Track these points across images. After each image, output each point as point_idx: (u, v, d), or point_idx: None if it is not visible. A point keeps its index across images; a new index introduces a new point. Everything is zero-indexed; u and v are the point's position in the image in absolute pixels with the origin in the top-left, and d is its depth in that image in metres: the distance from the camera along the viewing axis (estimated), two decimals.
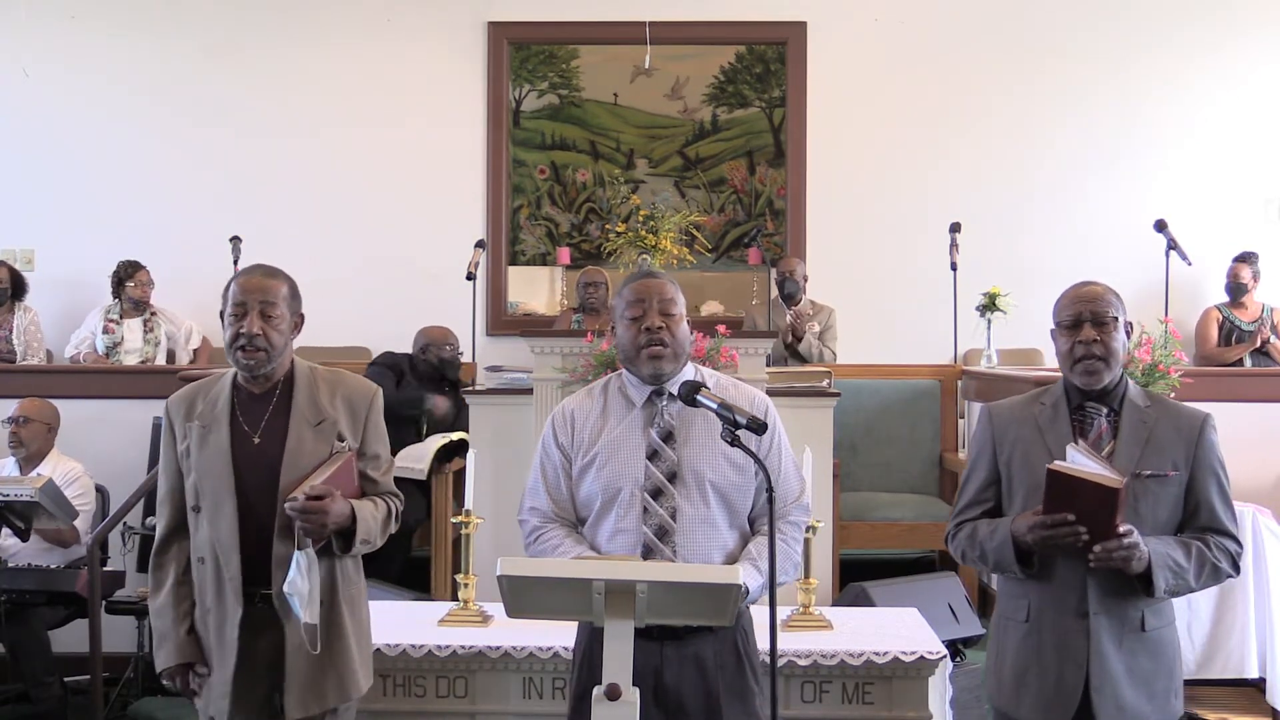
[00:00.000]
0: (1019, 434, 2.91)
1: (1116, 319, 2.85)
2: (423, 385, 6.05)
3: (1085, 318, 2.84)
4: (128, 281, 6.98)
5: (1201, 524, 2.85)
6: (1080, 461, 2.69)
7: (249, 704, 2.94)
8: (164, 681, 3.02)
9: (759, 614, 2.86)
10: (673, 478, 2.85)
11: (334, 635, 2.97)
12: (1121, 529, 2.69)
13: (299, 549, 2.85)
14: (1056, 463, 2.70)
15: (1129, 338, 2.96)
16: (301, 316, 3.05)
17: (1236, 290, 7.01)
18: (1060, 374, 2.96)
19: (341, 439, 2.98)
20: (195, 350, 7.18)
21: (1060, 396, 2.92)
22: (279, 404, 2.98)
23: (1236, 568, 2.86)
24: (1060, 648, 2.80)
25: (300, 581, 2.84)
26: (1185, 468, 2.85)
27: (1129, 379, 2.93)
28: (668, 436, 2.88)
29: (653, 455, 2.86)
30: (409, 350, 6.22)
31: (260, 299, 2.93)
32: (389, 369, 6.02)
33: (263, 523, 2.91)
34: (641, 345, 2.86)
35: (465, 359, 6.69)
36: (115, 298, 7.06)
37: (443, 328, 6.15)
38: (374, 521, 2.98)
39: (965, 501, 2.99)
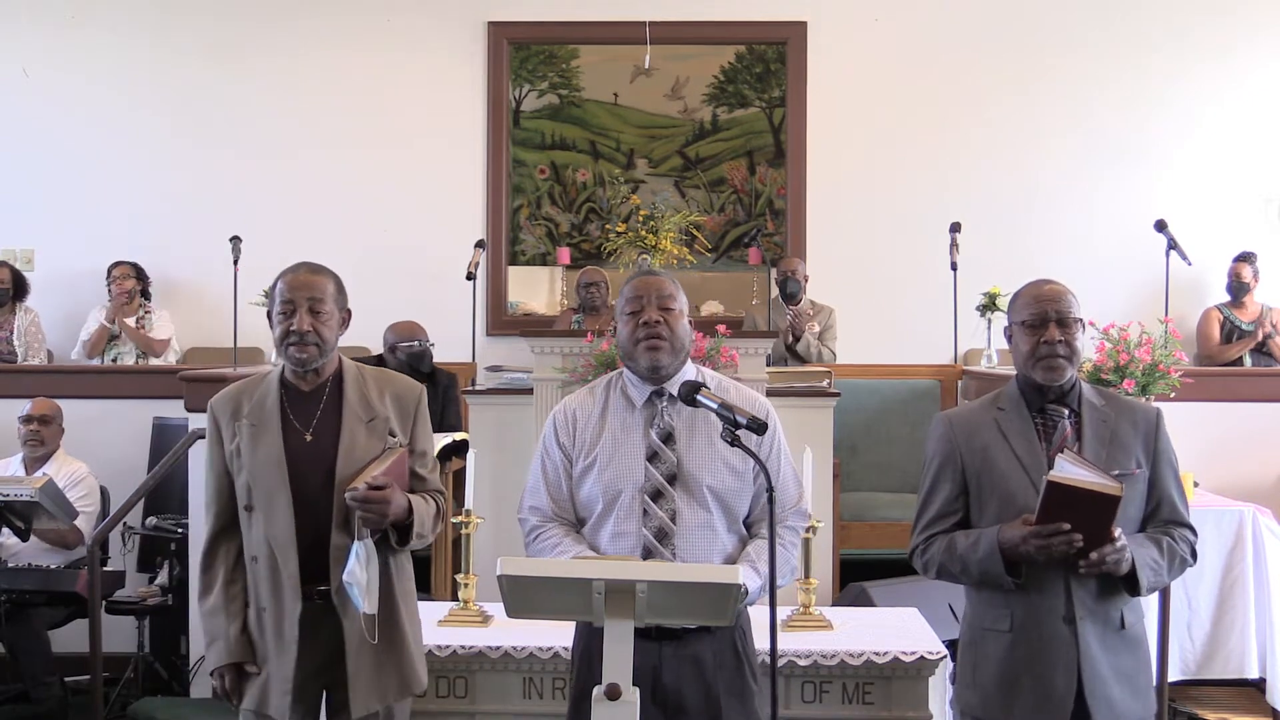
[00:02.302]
0: (983, 441, 2.88)
1: (1079, 320, 2.85)
2: None
3: (1051, 317, 2.82)
4: (109, 280, 7.00)
5: (1164, 518, 2.87)
6: (1072, 470, 2.67)
7: (305, 701, 2.94)
8: (213, 682, 2.99)
9: (758, 614, 2.86)
10: (672, 480, 2.84)
11: (392, 630, 2.97)
12: (1115, 533, 2.69)
13: (358, 539, 2.85)
14: (1053, 473, 2.67)
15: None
16: (349, 312, 3.08)
17: (1238, 290, 6.99)
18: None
19: (393, 435, 2.99)
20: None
21: (1018, 399, 2.89)
22: (330, 401, 2.99)
23: (1195, 556, 2.89)
24: (1051, 654, 2.78)
25: (360, 572, 2.84)
26: (1147, 464, 2.85)
27: (1079, 379, 2.91)
28: (667, 438, 2.87)
29: (652, 457, 2.85)
30: (378, 353, 6.13)
31: (308, 295, 2.96)
32: None
33: (318, 519, 2.90)
34: (639, 339, 2.85)
35: (465, 359, 6.71)
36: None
37: (409, 322, 6.07)
38: (427, 516, 3.00)
39: (932, 514, 2.92)
